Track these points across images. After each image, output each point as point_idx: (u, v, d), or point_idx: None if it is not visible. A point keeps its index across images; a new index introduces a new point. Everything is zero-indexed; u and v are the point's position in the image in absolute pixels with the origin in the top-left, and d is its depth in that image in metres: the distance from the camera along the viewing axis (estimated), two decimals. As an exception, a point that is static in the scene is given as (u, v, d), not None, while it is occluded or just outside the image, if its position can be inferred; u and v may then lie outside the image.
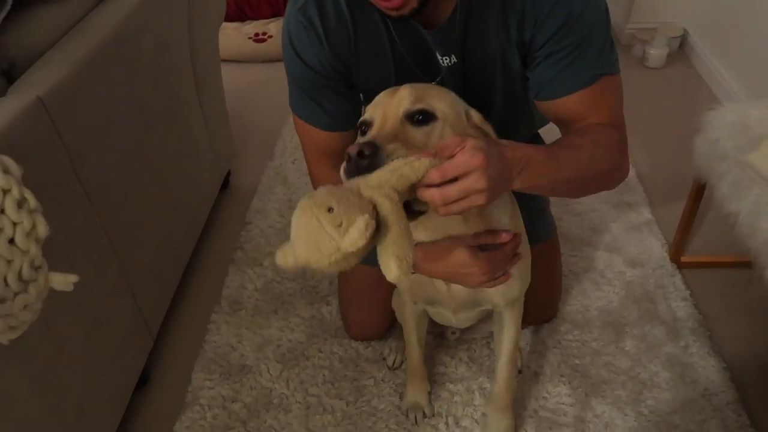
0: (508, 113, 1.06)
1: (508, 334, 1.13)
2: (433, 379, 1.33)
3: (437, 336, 1.41)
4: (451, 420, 1.25)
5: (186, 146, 1.54)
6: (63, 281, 0.89)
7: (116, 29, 1.17)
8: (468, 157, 0.71)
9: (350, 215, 0.67)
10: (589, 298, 1.49)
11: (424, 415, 1.26)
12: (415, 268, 0.96)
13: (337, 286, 1.48)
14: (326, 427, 1.25)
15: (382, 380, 1.33)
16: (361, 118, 0.86)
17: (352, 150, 0.72)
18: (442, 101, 0.83)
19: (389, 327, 1.39)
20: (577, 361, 1.36)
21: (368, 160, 0.72)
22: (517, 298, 1.08)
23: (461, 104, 0.88)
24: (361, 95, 1.08)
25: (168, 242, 1.42)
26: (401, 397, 1.29)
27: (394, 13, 0.86)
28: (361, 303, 1.34)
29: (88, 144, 1.07)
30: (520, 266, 1.01)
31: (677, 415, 1.25)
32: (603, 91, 0.96)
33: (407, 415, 1.26)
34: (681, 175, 1.84)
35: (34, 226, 0.84)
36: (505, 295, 1.03)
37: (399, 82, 0.89)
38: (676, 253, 1.59)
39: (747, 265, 1.48)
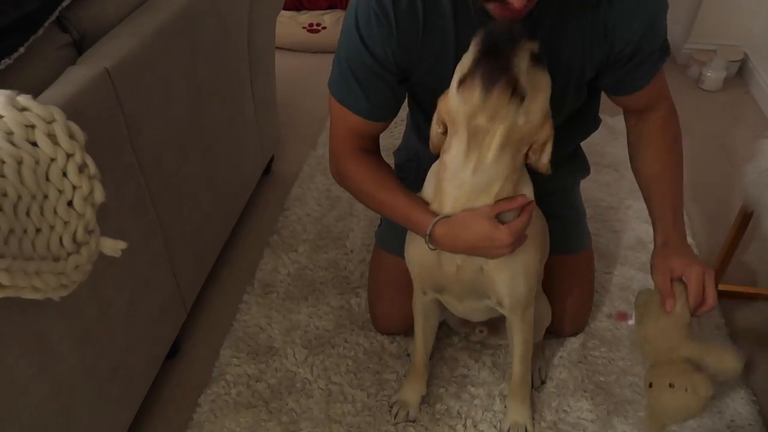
0: (569, 122, 1.09)
1: (518, 338, 1.14)
2: (454, 380, 1.34)
3: (463, 338, 1.42)
4: (469, 422, 1.26)
5: (235, 128, 1.57)
6: (113, 246, 0.93)
7: (183, 8, 1.21)
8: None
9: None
10: (609, 317, 1.48)
11: (408, 416, 1.26)
12: (438, 244, 0.97)
13: (367, 279, 1.50)
14: (345, 416, 1.27)
15: (405, 376, 1.34)
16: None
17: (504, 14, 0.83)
18: None
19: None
20: (602, 378, 1.35)
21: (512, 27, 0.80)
22: (523, 302, 1.08)
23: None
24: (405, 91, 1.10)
25: (209, 220, 1.46)
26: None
27: (504, 19, 0.86)
28: (390, 295, 1.35)
29: (145, 117, 1.11)
30: (527, 263, 1.02)
31: (700, 443, 1.23)
32: (662, 76, 1.11)
33: (391, 408, 1.27)
34: (727, 202, 1.81)
35: (92, 191, 0.89)
36: (510, 289, 1.03)
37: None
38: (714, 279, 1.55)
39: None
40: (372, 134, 1.12)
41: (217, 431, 1.24)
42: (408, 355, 1.38)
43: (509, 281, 1.02)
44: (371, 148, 1.13)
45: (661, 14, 0.99)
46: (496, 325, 1.31)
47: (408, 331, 1.41)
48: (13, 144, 0.79)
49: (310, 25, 2.65)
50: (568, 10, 0.95)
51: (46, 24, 0.98)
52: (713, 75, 2.40)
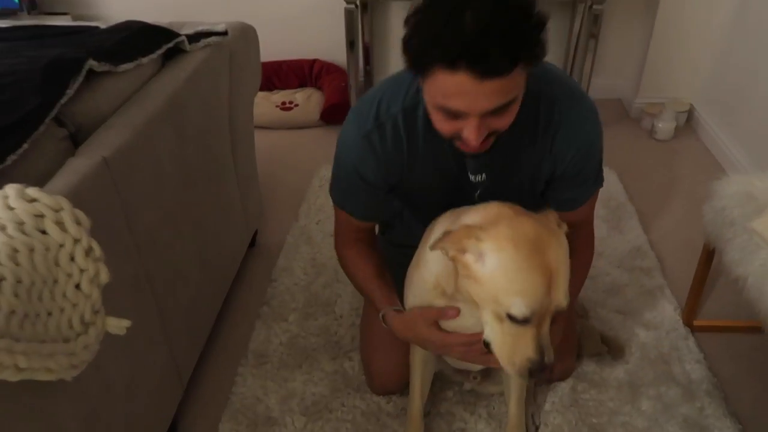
0: None
1: (514, 392, 1.25)
2: (453, 434, 1.36)
3: (457, 392, 1.45)
4: (471, 476, 1.28)
5: (221, 204, 1.64)
6: (117, 325, 0.97)
7: (169, 97, 1.30)
8: None
9: None
10: (605, 359, 1.53)
11: None
12: (393, 331, 1.20)
13: (359, 342, 1.54)
14: (349, 480, 1.27)
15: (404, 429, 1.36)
16: (515, 312, 0.89)
17: (535, 366, 0.92)
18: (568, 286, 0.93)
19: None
20: (594, 420, 1.38)
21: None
22: None
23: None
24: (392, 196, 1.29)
25: (201, 295, 1.50)
26: (422, 452, 1.32)
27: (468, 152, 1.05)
28: (384, 350, 1.39)
29: (140, 200, 1.17)
30: None
31: (695, 477, 1.27)
32: (592, 204, 1.27)
33: None
34: (691, 241, 1.91)
35: (97, 273, 0.93)
36: None
37: (439, 188, 1.17)
38: (688, 316, 1.63)
39: (759, 329, 1.53)
40: (367, 228, 1.32)
41: (220, 508, 1.23)
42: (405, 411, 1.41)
43: None
44: (367, 238, 1.33)
45: (596, 141, 1.16)
46: (488, 372, 1.36)
47: (403, 389, 1.44)
48: (24, 233, 0.84)
49: (283, 103, 2.78)
50: (521, 142, 1.11)
51: (47, 121, 1.06)
52: (664, 126, 2.58)
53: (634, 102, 2.77)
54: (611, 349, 1.55)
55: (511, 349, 0.92)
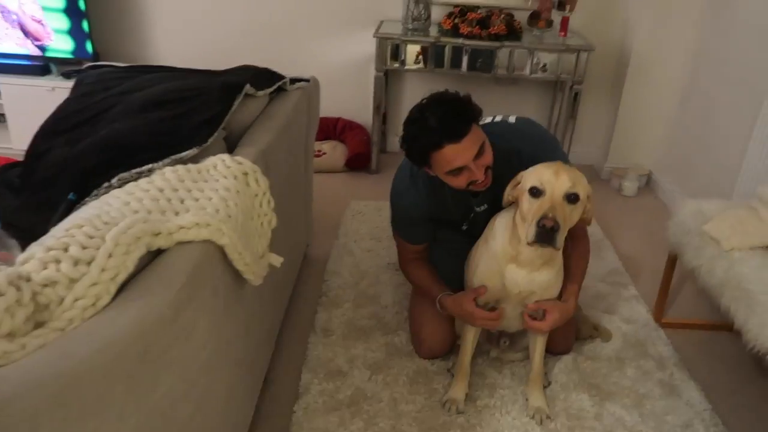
0: None
1: (542, 336, 1.66)
2: (486, 386, 1.75)
3: (486, 359, 1.85)
4: (504, 411, 1.67)
5: (296, 213, 2.06)
6: (276, 259, 1.37)
7: (286, 117, 1.76)
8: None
9: None
10: (596, 341, 1.97)
11: (458, 410, 1.66)
12: (446, 310, 1.70)
13: (406, 321, 1.94)
14: (410, 413, 1.64)
15: (448, 385, 1.74)
16: (533, 184, 1.42)
17: (548, 223, 1.35)
18: (583, 187, 1.44)
19: (453, 343, 1.83)
20: (591, 380, 1.80)
21: (554, 230, 1.35)
22: None
23: (588, 188, 1.47)
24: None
25: (282, 280, 1.88)
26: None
27: (474, 190, 1.58)
28: (431, 321, 1.80)
29: (275, 186, 1.58)
30: (551, 291, 1.59)
31: (669, 416, 1.69)
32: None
33: (443, 406, 1.67)
34: (654, 265, 2.42)
35: (271, 219, 1.35)
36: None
37: (454, 215, 1.72)
38: (657, 315, 2.10)
39: (712, 326, 2.01)
40: (420, 250, 1.84)
41: (313, 430, 1.57)
42: (448, 370, 1.80)
43: (550, 297, 1.60)
44: (421, 256, 1.85)
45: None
46: (514, 340, 1.78)
47: (444, 354, 1.83)
48: (238, 182, 1.26)
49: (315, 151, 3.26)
50: (504, 180, 1.56)
51: (225, 121, 1.49)
52: (629, 185, 3.15)
53: (604, 166, 3.36)
54: (601, 334, 1.99)
55: (532, 216, 1.39)
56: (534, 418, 1.64)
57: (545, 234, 1.37)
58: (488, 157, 1.53)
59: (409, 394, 1.71)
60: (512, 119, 1.74)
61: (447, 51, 2.93)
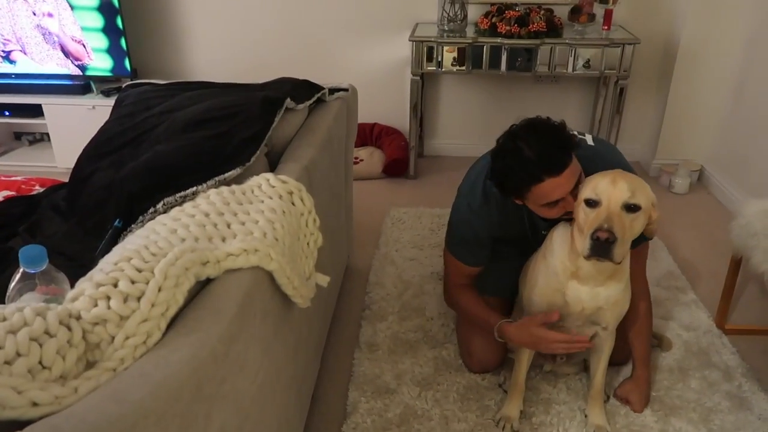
0: None
1: (605, 353, 1.57)
2: (541, 402, 1.68)
3: (539, 372, 1.78)
4: (561, 427, 1.59)
5: (338, 225, 2.02)
6: (323, 279, 1.34)
7: (327, 131, 1.72)
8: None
9: None
10: (656, 351, 1.87)
11: (512, 428, 1.60)
12: (506, 338, 1.60)
13: (453, 335, 1.89)
14: (463, 431, 1.59)
15: (501, 402, 1.68)
16: (588, 196, 1.36)
17: (602, 235, 1.28)
18: (645, 196, 1.35)
19: (504, 356, 1.76)
20: (654, 393, 1.71)
21: (609, 243, 1.27)
22: (615, 327, 1.54)
23: (652, 196, 1.39)
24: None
25: (326, 293, 1.85)
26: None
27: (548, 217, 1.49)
28: (482, 334, 1.73)
29: (319, 204, 1.55)
30: (619, 306, 1.50)
31: (739, 431, 1.59)
32: (643, 251, 1.68)
33: (497, 424, 1.61)
34: (711, 266, 2.30)
35: (317, 238, 1.31)
36: (616, 319, 1.53)
37: (519, 235, 1.63)
38: (720, 321, 1.99)
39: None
40: (471, 274, 1.75)
41: (363, 450, 1.54)
42: (500, 385, 1.73)
43: (617, 314, 1.53)
44: (469, 282, 1.76)
45: None
46: (570, 355, 1.71)
47: (495, 368, 1.77)
48: (283, 201, 1.23)
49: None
50: None
51: (265, 139, 1.47)
52: (681, 181, 3.02)
53: (652, 163, 3.22)
54: (661, 343, 1.89)
55: (587, 228, 1.32)
56: (594, 436, 1.57)
57: (601, 247, 1.30)
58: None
59: (461, 411, 1.65)
60: (590, 140, 1.64)
61: (485, 51, 2.86)
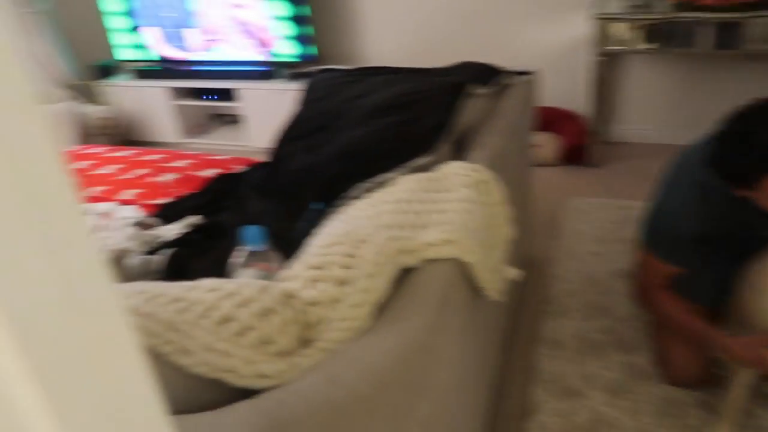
0: None
1: None
2: (754, 428, 1.46)
3: (761, 395, 1.55)
4: (787, 461, 1.37)
5: (524, 215, 1.92)
6: (515, 273, 1.26)
7: (515, 114, 1.64)
8: None
9: None
10: None
11: None
12: (729, 352, 1.38)
13: (648, 340, 1.71)
14: (662, 448, 1.43)
15: (709, 421, 1.49)
16: None
17: None
18: None
19: (709, 371, 1.56)
20: None
21: None
22: None
23: None
24: None
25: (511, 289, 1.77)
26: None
27: None
28: (683, 343, 1.55)
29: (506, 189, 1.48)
30: None
31: None
32: None
33: None
34: None
35: (509, 231, 1.24)
36: None
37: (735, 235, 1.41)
38: None
39: None
40: (673, 275, 1.54)
41: (547, 453, 1.45)
42: (710, 404, 1.53)
43: None
44: (669, 284, 1.56)
45: None
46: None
47: (698, 384, 1.57)
48: (478, 191, 1.17)
49: (525, 144, 3.09)
50: None
51: (452, 126, 1.42)
52: None
53: None
54: None
55: None
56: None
57: None
58: None
59: (659, 427, 1.49)
60: None
61: (680, 27, 2.54)
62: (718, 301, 1.56)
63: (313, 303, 0.83)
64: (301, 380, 0.73)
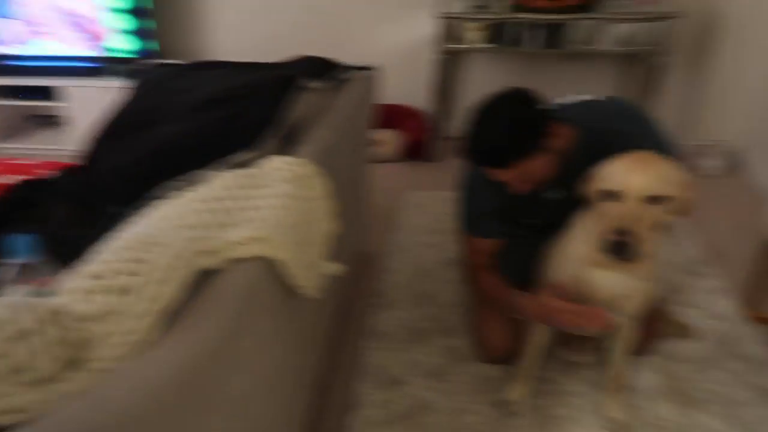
0: None
1: (625, 343, 1.51)
2: (555, 393, 1.64)
3: (557, 363, 1.73)
4: (576, 420, 1.55)
5: (357, 211, 1.97)
6: (335, 268, 1.29)
7: (350, 110, 1.68)
8: None
9: None
10: (678, 340, 1.81)
11: (515, 413, 1.56)
12: (523, 309, 1.52)
13: (466, 323, 1.85)
14: (474, 425, 1.55)
15: (515, 379, 1.63)
16: (604, 187, 1.27)
17: (616, 238, 1.21)
18: (671, 182, 1.23)
19: (519, 347, 1.71)
20: (675, 385, 1.65)
21: (622, 245, 1.20)
22: (638, 315, 1.48)
23: (678, 175, 1.26)
24: None
25: (343, 280, 1.81)
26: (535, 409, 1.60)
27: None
28: (495, 322, 1.70)
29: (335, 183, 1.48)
30: (644, 294, 1.43)
31: (766, 426, 1.52)
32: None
33: (500, 407, 1.57)
34: (740, 255, 2.20)
35: (333, 226, 1.25)
36: (639, 305, 1.44)
37: (521, 206, 1.57)
38: (747, 309, 1.91)
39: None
40: (491, 251, 1.69)
41: (372, 441, 1.51)
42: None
43: (643, 302, 1.44)
44: (489, 263, 1.68)
45: (643, 140, 1.40)
46: (588, 342, 1.66)
47: (510, 358, 1.72)
48: (300, 185, 1.17)
49: (368, 140, 3.17)
50: (583, 160, 1.39)
51: (279, 120, 1.40)
52: (713, 164, 2.90)
53: (685, 144, 3.09)
54: (684, 331, 1.82)
55: (604, 226, 1.25)
56: (611, 430, 1.52)
57: (617, 248, 1.22)
58: (538, 176, 1.43)
59: (472, 403, 1.62)
60: (597, 98, 1.60)
61: (512, 28, 2.76)
62: (527, 275, 1.71)
63: (88, 318, 0.79)
64: (60, 409, 0.68)
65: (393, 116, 3.34)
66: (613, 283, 1.39)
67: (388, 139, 3.18)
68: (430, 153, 3.15)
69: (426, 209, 2.64)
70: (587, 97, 1.62)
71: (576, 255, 1.42)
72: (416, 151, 3.14)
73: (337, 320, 1.93)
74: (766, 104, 2.83)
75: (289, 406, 1.27)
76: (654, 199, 1.22)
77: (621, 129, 1.46)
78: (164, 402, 0.73)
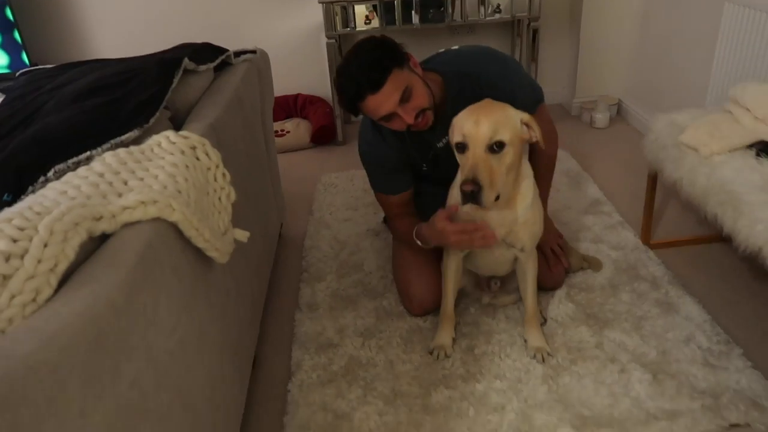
0: None
1: (530, 276, 1.61)
2: (482, 334, 1.71)
3: (478, 307, 1.80)
4: (503, 355, 1.62)
5: (263, 191, 1.97)
6: (242, 234, 1.30)
7: (236, 89, 1.67)
8: None
9: None
10: (587, 272, 1.93)
11: (446, 355, 1.63)
12: (423, 236, 1.60)
13: (393, 280, 1.89)
14: (409, 372, 1.59)
15: (438, 325, 1.68)
16: (457, 140, 1.36)
17: (467, 188, 1.28)
18: (508, 128, 1.33)
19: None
20: (587, 311, 1.76)
21: (475, 193, 1.28)
22: (533, 248, 1.57)
23: (518, 116, 1.37)
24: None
25: (261, 261, 1.80)
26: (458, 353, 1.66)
27: (418, 129, 1.54)
28: (419, 274, 1.75)
29: (229, 159, 1.50)
30: (538, 226, 1.54)
31: (669, 333, 1.65)
32: (541, 108, 1.72)
33: (431, 353, 1.63)
34: (634, 189, 2.38)
35: (229, 193, 1.27)
36: (530, 240, 1.55)
37: (417, 156, 1.68)
38: (645, 237, 2.06)
39: (703, 240, 1.98)
40: (406, 201, 1.78)
41: (310, 405, 1.52)
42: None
43: (531, 233, 1.54)
44: (405, 211, 1.78)
45: (505, 82, 1.57)
46: (505, 283, 1.74)
47: (436, 308, 1.78)
48: (186, 156, 1.18)
49: (276, 131, 3.16)
50: (461, 102, 1.47)
51: (165, 101, 1.40)
52: (601, 116, 3.10)
53: (572, 102, 3.30)
54: (591, 264, 1.95)
55: (461, 174, 1.35)
56: (535, 358, 1.60)
57: (470, 196, 1.31)
58: (419, 100, 1.48)
59: (405, 353, 1.66)
60: (463, 47, 1.69)
61: (397, 6, 2.84)
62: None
63: (-22, 285, 0.76)
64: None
65: (300, 106, 3.35)
66: (499, 219, 1.48)
67: (297, 128, 3.18)
68: (336, 136, 3.18)
69: (340, 188, 2.66)
70: (456, 47, 1.72)
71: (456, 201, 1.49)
72: (324, 137, 3.16)
73: (268, 299, 1.92)
74: (635, 56, 3.07)
75: (219, 373, 1.26)
76: (494, 149, 1.32)
77: (488, 70, 1.57)
78: (67, 348, 0.72)
